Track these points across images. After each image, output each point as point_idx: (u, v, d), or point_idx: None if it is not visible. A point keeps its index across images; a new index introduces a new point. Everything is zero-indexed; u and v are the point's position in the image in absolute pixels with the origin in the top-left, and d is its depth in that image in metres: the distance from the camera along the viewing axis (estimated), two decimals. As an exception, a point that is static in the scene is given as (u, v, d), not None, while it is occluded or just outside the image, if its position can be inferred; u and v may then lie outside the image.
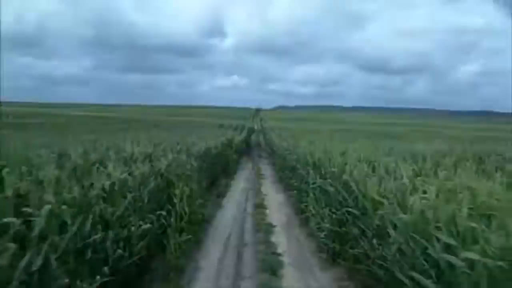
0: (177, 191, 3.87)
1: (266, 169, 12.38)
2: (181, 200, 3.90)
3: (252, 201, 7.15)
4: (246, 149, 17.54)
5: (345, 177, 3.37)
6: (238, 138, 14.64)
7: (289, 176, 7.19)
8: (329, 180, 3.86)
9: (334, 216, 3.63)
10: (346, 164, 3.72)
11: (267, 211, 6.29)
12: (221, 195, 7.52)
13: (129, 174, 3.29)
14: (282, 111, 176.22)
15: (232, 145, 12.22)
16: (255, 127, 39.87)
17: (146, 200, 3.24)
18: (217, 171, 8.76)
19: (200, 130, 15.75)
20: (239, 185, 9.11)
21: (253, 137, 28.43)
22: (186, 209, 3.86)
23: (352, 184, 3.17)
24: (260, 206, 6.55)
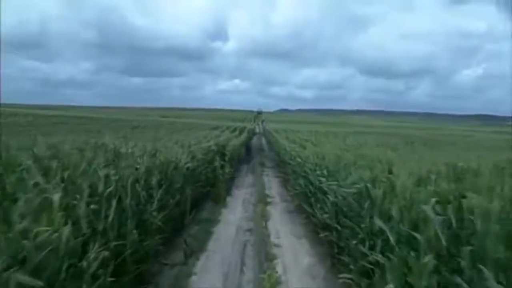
0: None
1: (273, 185, 8.83)
2: None
3: (253, 269, 3.59)
4: (245, 156, 14.01)
5: None
6: (235, 142, 11.07)
7: (322, 214, 3.62)
8: None
9: None
10: None
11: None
12: (193, 252, 3.95)
13: None
14: (284, 114, 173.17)
15: (226, 152, 8.67)
16: (257, 130, 36.59)
17: None
18: (191, 198, 5.20)
19: (186, 133, 12.25)
20: (232, 219, 5.54)
21: (255, 139, 24.99)
22: None
23: None
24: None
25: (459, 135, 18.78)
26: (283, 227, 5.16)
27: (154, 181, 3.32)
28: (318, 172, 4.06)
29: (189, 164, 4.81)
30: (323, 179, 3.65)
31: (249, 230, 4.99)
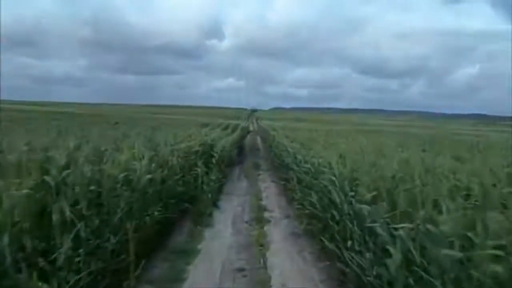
0: None
1: (270, 193, 7.28)
2: None
3: None
4: (238, 157, 12.46)
5: None
6: (225, 142, 9.50)
7: (364, 270, 2.10)
8: None
9: None
10: None
11: None
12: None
13: None
14: (278, 112, 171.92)
15: (214, 153, 7.11)
16: (251, 128, 35.09)
17: None
18: (157, 223, 3.63)
19: (168, 130, 10.62)
20: (217, 249, 3.97)
21: (249, 138, 23.47)
22: None
23: None
24: None
25: (471, 135, 17.39)
26: (291, 265, 3.60)
27: (58, 215, 1.74)
28: (351, 192, 2.52)
29: (151, 175, 3.22)
30: (366, 207, 2.12)
31: (241, 270, 3.44)
